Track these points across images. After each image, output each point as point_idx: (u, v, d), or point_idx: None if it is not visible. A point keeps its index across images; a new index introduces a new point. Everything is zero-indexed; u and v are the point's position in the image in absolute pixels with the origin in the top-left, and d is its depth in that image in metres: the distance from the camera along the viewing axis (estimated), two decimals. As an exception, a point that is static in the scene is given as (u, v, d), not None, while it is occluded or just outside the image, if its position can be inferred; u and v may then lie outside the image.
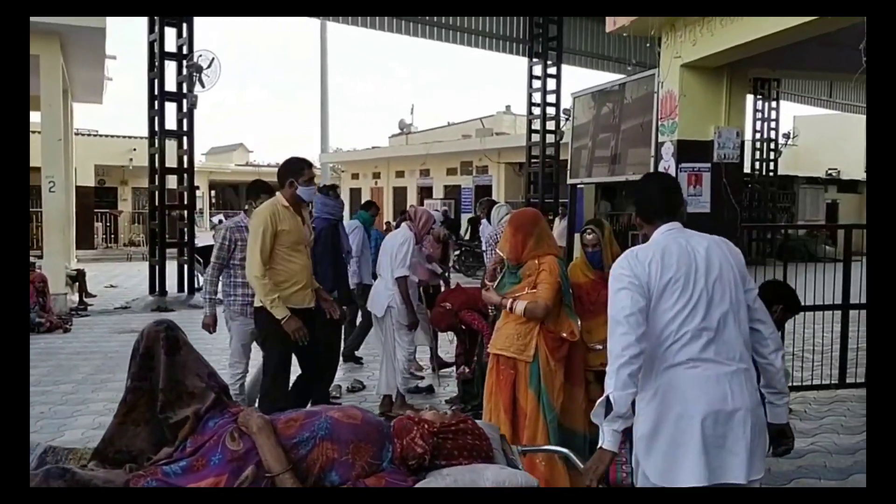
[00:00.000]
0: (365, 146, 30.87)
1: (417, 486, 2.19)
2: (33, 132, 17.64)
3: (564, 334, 3.70)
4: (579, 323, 3.79)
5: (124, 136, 25.16)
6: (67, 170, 13.81)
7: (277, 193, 4.37)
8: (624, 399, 2.27)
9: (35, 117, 14.94)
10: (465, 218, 20.50)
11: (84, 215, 20.91)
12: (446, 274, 7.45)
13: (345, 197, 28.60)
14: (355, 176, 29.55)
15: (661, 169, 5.40)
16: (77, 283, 11.90)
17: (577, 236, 7.23)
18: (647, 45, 5.18)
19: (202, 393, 2.36)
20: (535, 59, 14.71)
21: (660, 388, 2.37)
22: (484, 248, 7.79)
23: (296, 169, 4.31)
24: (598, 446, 2.35)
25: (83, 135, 23.66)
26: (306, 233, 4.44)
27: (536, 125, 15.10)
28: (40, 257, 11.89)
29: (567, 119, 12.45)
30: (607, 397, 2.28)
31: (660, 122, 5.41)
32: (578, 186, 10.75)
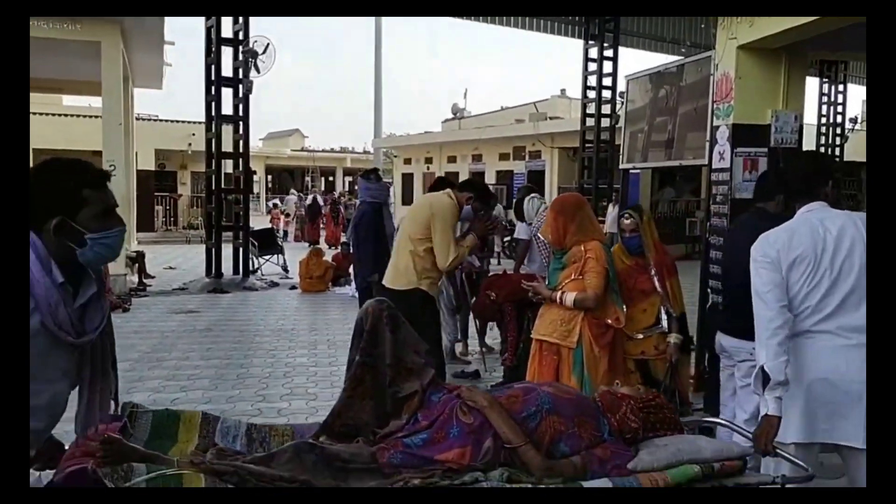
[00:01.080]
0: (418, 131, 30.95)
1: (639, 454, 2.34)
2: (95, 117, 18.21)
3: (609, 321, 3.65)
4: (624, 309, 3.76)
5: (183, 122, 25.77)
6: (128, 154, 14.22)
7: (449, 190, 4.58)
8: (779, 367, 2.47)
9: (96, 102, 15.39)
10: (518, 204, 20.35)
11: (144, 199, 21.55)
12: (485, 264, 7.31)
13: (396, 182, 28.78)
14: (408, 161, 29.66)
15: (715, 154, 5.23)
16: (137, 265, 12.28)
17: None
18: (703, 25, 5.01)
19: (421, 369, 2.53)
20: (590, 42, 14.44)
21: None
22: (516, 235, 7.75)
23: (481, 195, 4.68)
24: (763, 414, 2.52)
25: (144, 120, 24.32)
26: None
27: (591, 109, 14.84)
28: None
29: (622, 103, 12.19)
30: (761, 368, 2.49)
31: (715, 106, 5.24)
32: (632, 172, 10.55)
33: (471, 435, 2.27)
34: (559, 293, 3.69)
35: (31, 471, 1.83)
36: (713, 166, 5.19)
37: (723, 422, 3.03)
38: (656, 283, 3.78)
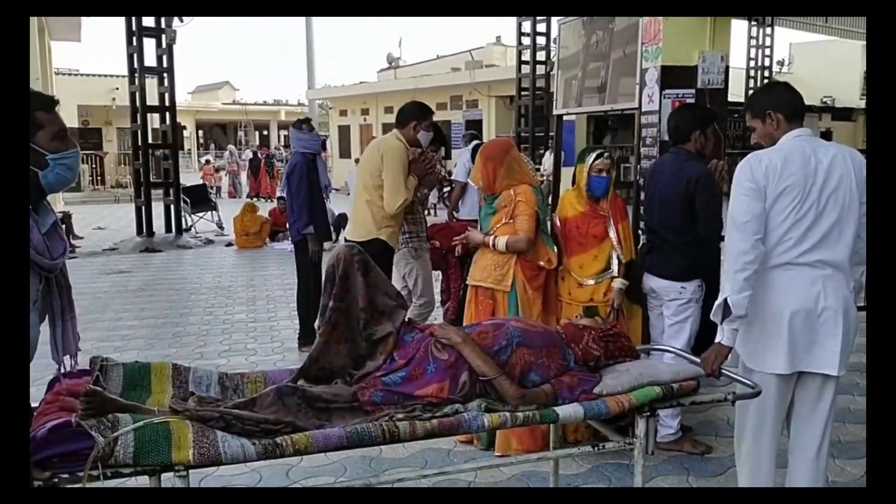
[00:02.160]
0: (353, 82, 30.34)
1: (603, 380, 2.47)
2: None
3: (541, 262, 3.72)
4: (555, 250, 3.80)
5: (106, 76, 24.67)
6: (47, 110, 13.55)
7: (395, 131, 4.50)
8: (741, 301, 2.50)
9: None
10: (455, 154, 20.31)
11: (69, 157, 20.61)
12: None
13: (333, 135, 28.30)
14: (343, 113, 29.11)
15: (644, 96, 5.29)
16: (64, 226, 11.81)
17: (568, 170, 7.15)
18: (631, -34, 5.00)
19: (393, 311, 2.59)
20: (523, -13, 14.29)
21: (758, 286, 2.57)
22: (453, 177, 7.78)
23: (421, 113, 4.52)
24: (717, 341, 2.60)
25: (64, 75, 23.17)
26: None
27: (527, 56, 14.80)
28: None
29: (557, 49, 12.19)
30: (725, 300, 2.52)
31: (644, 48, 5.28)
32: (567, 119, 10.61)
33: (447, 370, 2.37)
34: (491, 238, 3.72)
35: None
36: (642, 109, 5.26)
37: (671, 349, 3.19)
38: (611, 228, 3.76)
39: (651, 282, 3.78)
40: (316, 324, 5.85)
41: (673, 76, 4.98)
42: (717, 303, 2.56)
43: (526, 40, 14.67)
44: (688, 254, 3.66)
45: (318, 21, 26.99)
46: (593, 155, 3.73)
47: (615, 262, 3.77)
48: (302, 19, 26.60)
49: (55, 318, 2.11)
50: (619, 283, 3.75)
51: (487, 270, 3.75)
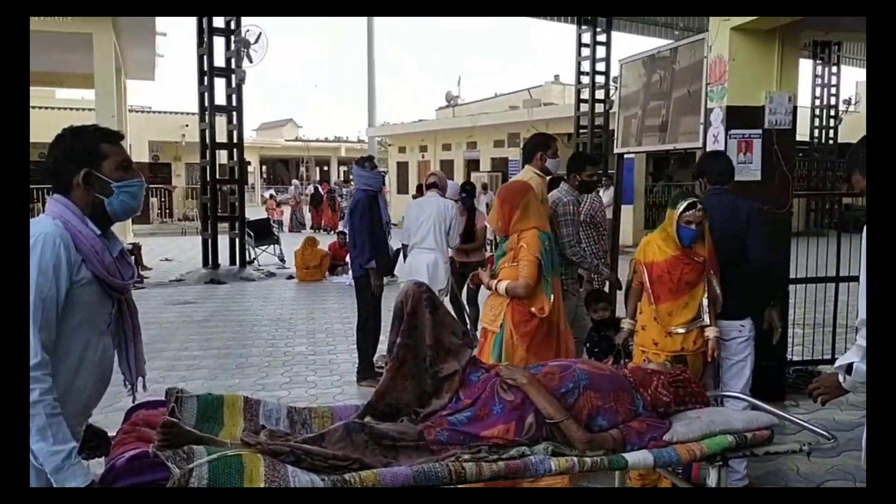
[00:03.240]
0: (412, 119, 30.87)
1: (673, 426, 2.41)
2: (89, 109, 18.15)
3: (533, 309, 3.62)
4: (551, 299, 3.65)
5: (177, 113, 25.68)
6: (122, 146, 14.16)
7: (527, 167, 4.52)
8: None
9: (89, 95, 15.28)
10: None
11: (140, 191, 21.43)
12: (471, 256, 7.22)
13: (391, 171, 28.73)
14: (402, 150, 29.58)
15: (710, 136, 5.23)
16: (133, 257, 12.26)
17: (627, 208, 7.11)
18: (696, 7, 5.00)
19: (459, 349, 2.61)
20: (583, 27, 14.41)
21: None
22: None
23: (544, 143, 4.54)
24: (837, 376, 2.34)
25: (137, 111, 24.23)
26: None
27: (585, 95, 14.83)
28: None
29: (616, 88, 12.19)
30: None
31: (709, 88, 5.24)
32: (626, 157, 10.54)
33: (513, 411, 2.35)
34: (494, 281, 3.74)
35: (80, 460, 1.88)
36: (707, 149, 5.21)
37: (741, 396, 3.09)
38: (711, 278, 3.56)
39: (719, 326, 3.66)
40: (375, 357, 5.94)
41: (739, 116, 4.92)
42: (858, 343, 2.33)
43: (585, 79, 14.72)
44: (742, 291, 3.69)
45: (379, 60, 27.62)
46: (685, 204, 3.45)
47: (706, 309, 3.51)
48: (364, 58, 27.27)
49: (127, 341, 2.18)
50: (713, 332, 3.49)
51: (486, 310, 3.83)
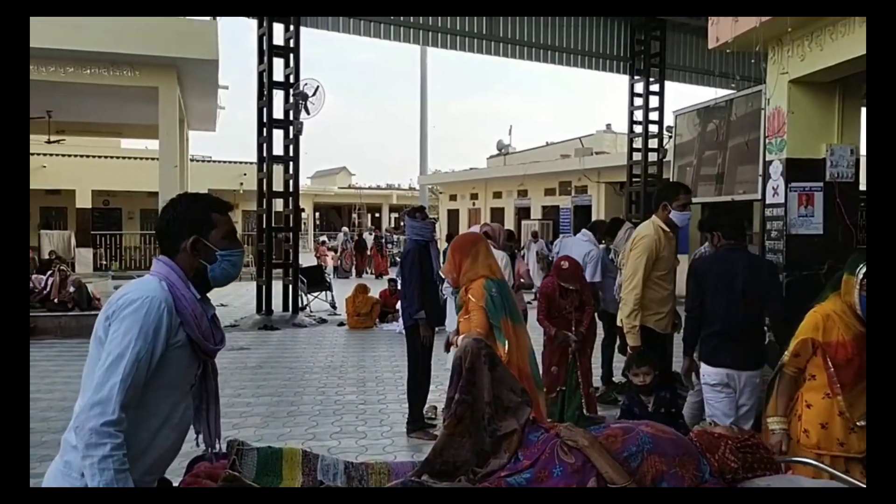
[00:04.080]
0: (463, 168, 31.17)
1: None
2: (152, 159, 18.86)
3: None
4: (507, 345, 3.63)
5: (235, 162, 26.48)
6: (183, 194, 14.63)
7: (653, 217, 4.45)
8: None
9: (153, 145, 15.87)
10: (562, 239, 20.26)
11: (198, 237, 22.04)
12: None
13: (442, 218, 28.95)
14: (453, 197, 29.83)
15: (769, 189, 5.13)
16: (190, 302, 12.54)
17: (682, 258, 6.94)
18: (752, 60, 4.96)
19: (517, 407, 2.58)
20: (636, 77, 14.44)
21: None
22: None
23: (670, 193, 4.39)
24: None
25: (197, 161, 25.07)
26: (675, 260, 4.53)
27: (638, 144, 14.78)
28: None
29: (670, 137, 12.12)
30: None
31: (767, 140, 5.16)
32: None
33: (574, 475, 2.29)
34: (457, 337, 3.79)
35: None
36: (767, 201, 5.11)
37: (813, 462, 2.87)
38: None
39: (733, 375, 3.87)
40: (424, 409, 5.88)
41: (799, 169, 4.83)
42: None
43: (637, 128, 14.69)
44: (759, 342, 3.97)
45: (432, 109, 28.10)
46: (865, 267, 2.90)
47: None
48: (417, 107, 27.78)
49: (209, 402, 2.22)
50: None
51: None
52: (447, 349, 4.07)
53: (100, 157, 23.18)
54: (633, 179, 14.92)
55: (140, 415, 1.92)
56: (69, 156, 22.69)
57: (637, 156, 14.76)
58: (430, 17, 12.47)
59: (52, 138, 17.33)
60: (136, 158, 24.01)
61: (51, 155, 22.00)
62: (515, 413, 2.54)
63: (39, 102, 13.70)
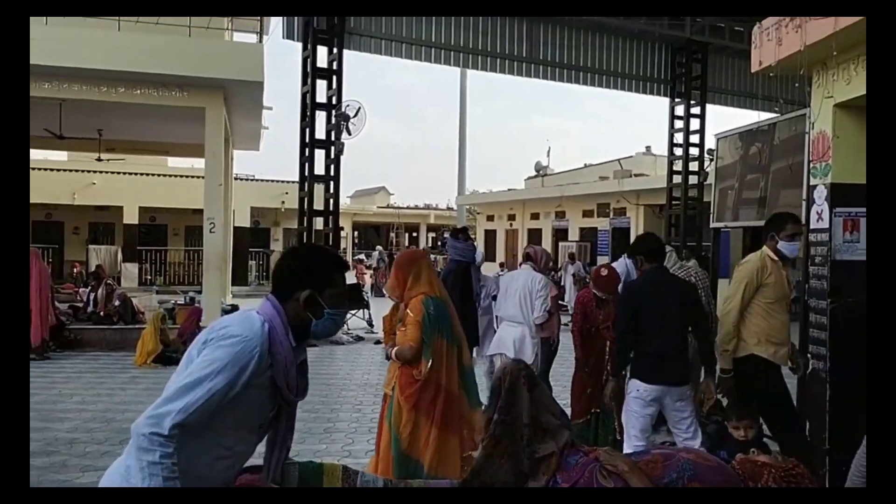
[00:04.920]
0: (501, 188, 31.23)
1: None
2: (197, 177, 19.23)
3: (414, 372, 3.77)
4: (430, 362, 3.75)
5: (277, 181, 26.93)
6: (226, 212, 14.95)
7: (765, 247, 4.51)
8: None
9: (199, 163, 16.25)
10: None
11: (240, 254, 22.48)
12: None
13: (479, 239, 28.98)
14: (490, 218, 29.87)
15: (813, 214, 5.06)
16: (231, 318, 12.73)
17: (724, 282, 6.87)
18: (796, 84, 4.92)
19: (556, 430, 2.56)
20: (677, 99, 14.36)
21: None
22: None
23: (777, 224, 4.48)
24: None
25: (241, 179, 25.56)
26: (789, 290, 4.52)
27: (678, 166, 14.67)
28: (199, 292, 12.85)
29: (711, 160, 12.00)
30: None
31: (812, 165, 5.10)
32: (723, 230, 10.28)
33: None
34: (392, 349, 3.95)
35: None
36: (811, 227, 5.03)
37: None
38: None
39: (666, 391, 4.27)
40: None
41: (844, 194, 4.74)
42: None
43: (678, 150, 14.59)
44: (686, 358, 4.40)
45: (470, 129, 28.27)
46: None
47: None
48: (456, 127, 27.99)
49: (276, 445, 2.25)
50: None
51: (387, 374, 4.06)
52: (388, 358, 4.20)
53: (147, 174, 23.83)
54: (673, 202, 14.79)
55: (204, 442, 1.97)
56: (118, 173, 23.37)
57: (677, 178, 14.64)
58: (471, 40, 12.62)
59: (102, 156, 17.87)
60: (182, 176, 24.61)
61: (100, 172, 22.69)
62: (554, 435, 2.53)
63: (91, 122, 14.16)
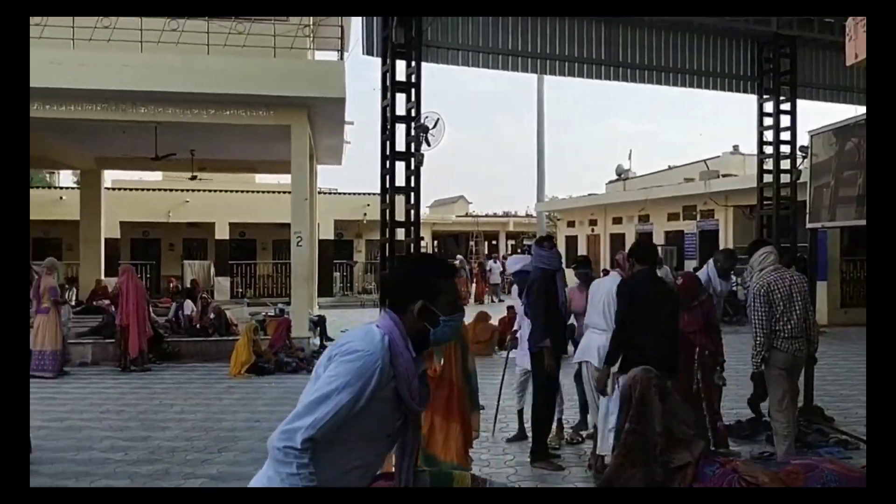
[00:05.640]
0: (581, 193, 30.84)
1: None
2: (283, 192, 19.81)
3: (429, 371, 3.99)
4: (442, 361, 4.13)
5: (359, 193, 27.49)
6: (312, 225, 15.35)
7: None
8: None
9: (285, 179, 16.72)
10: (688, 265, 19.56)
11: (324, 266, 23.03)
12: None
13: (560, 245, 28.69)
14: (571, 224, 29.53)
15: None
16: (318, 328, 13.06)
17: (821, 284, 6.53)
18: None
19: (690, 440, 2.56)
20: (765, 96, 13.82)
21: None
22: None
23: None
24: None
25: (324, 193, 26.21)
26: None
27: (768, 165, 14.09)
28: (288, 304, 13.22)
29: (804, 157, 11.47)
30: None
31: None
32: (820, 230, 9.82)
33: None
34: None
35: None
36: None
37: None
38: None
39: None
40: (549, 438, 5.82)
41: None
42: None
43: (767, 149, 14.01)
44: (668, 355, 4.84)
45: (548, 135, 28.05)
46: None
47: None
48: (534, 133, 27.85)
49: (405, 452, 2.31)
50: None
51: None
52: None
53: (236, 191, 24.78)
54: (765, 202, 14.20)
55: (332, 454, 2.03)
56: (209, 191, 24.40)
57: (768, 178, 14.05)
58: (547, 46, 12.54)
59: (196, 175, 18.69)
60: (269, 192, 25.46)
61: (193, 191, 23.74)
62: (689, 446, 2.46)
63: (184, 142, 14.85)
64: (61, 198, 23.46)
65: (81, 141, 15.61)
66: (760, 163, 14.33)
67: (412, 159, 12.77)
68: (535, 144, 27.92)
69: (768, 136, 13.91)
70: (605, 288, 5.81)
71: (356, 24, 13.09)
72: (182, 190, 23.99)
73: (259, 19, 11.90)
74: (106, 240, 18.43)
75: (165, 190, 24.86)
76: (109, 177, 22.54)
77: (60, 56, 10.76)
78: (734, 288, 10.32)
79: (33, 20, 10.71)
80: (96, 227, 17.97)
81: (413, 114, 12.61)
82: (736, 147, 24.74)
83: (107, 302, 13.23)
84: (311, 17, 12.87)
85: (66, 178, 33.60)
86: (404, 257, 2.40)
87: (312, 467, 1.95)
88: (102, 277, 16.99)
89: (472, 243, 42.47)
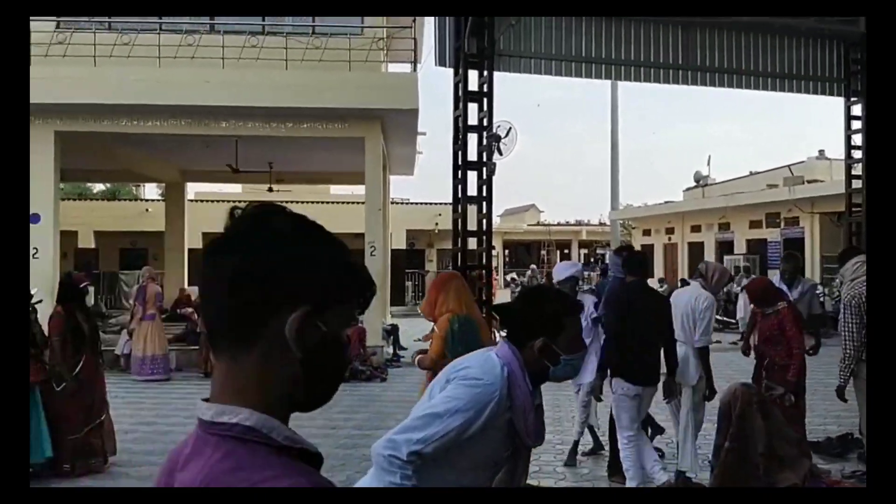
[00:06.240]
0: (657, 201, 30.17)
1: None
2: (357, 203, 20.15)
3: None
4: None
5: (430, 203, 27.69)
6: (384, 235, 15.54)
7: None
8: None
9: (359, 190, 17.00)
10: (771, 274, 18.84)
11: (396, 275, 23.24)
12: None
13: (637, 254, 28.11)
14: (647, 232, 28.90)
15: None
16: (391, 337, 13.17)
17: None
18: None
19: (795, 460, 2.46)
20: (853, 98, 13.21)
21: None
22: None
23: None
24: None
25: (397, 203, 26.53)
26: None
27: (857, 170, 13.44)
28: (361, 313, 13.37)
29: None
30: None
31: None
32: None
33: None
34: (419, 357, 4.28)
35: None
36: None
37: None
38: None
39: (644, 390, 4.83)
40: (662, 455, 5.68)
41: None
42: None
43: (857, 153, 13.38)
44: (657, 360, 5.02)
45: (622, 142, 27.57)
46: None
47: None
48: (607, 140, 27.46)
49: (513, 485, 2.26)
50: None
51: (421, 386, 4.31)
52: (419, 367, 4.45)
53: (312, 202, 25.35)
54: (854, 209, 13.55)
55: (437, 474, 2.03)
56: (286, 202, 24.99)
57: (857, 183, 13.41)
58: (622, 52, 12.34)
59: (273, 187, 19.22)
60: (343, 203, 25.94)
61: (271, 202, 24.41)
62: (793, 466, 2.33)
63: (264, 155, 15.29)
64: (147, 210, 24.52)
65: (167, 155, 16.29)
66: (848, 168, 13.71)
67: (484, 168, 12.80)
68: (609, 151, 27.52)
69: (857, 139, 13.30)
70: (684, 299, 5.62)
71: (429, 36, 13.22)
72: (261, 201, 24.69)
73: (335, 34, 12.16)
74: (189, 250, 19.11)
75: (245, 202, 25.56)
76: (192, 189, 23.40)
77: (145, 74, 11.26)
78: (822, 300, 9.87)
79: (122, 41, 11.28)
80: (180, 238, 18.69)
81: (485, 123, 12.64)
82: (822, 151, 23.75)
83: (190, 310, 13.70)
84: (385, 30, 13.06)
85: (151, 190, 35.10)
86: (530, 289, 2.34)
87: (416, 480, 1.95)
88: (186, 286, 17.62)
89: (543, 252, 42.16)
